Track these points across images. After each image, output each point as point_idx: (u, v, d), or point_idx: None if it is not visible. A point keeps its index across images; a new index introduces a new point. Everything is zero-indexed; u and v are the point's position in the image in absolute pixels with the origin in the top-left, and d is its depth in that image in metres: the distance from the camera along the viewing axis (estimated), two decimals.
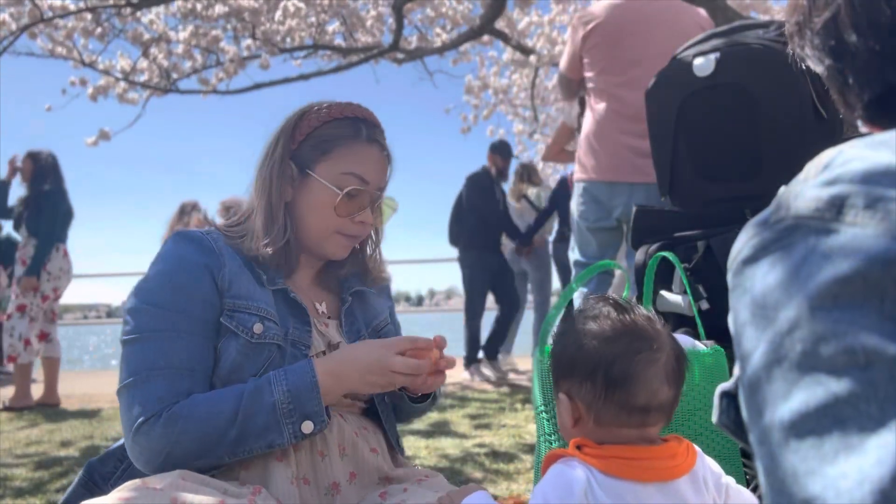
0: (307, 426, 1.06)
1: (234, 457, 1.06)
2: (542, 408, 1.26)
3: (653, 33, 2.81)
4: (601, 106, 2.93)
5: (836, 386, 0.42)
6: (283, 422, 1.05)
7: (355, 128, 1.23)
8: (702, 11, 2.99)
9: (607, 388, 0.88)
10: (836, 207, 0.45)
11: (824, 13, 0.61)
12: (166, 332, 1.09)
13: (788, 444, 0.43)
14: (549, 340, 1.35)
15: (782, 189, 0.51)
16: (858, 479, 0.38)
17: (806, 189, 0.48)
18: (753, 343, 0.48)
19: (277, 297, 1.20)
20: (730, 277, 0.52)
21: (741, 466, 1.25)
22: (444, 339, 1.15)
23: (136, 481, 0.95)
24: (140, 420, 1.05)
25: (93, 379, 6.93)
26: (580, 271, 2.96)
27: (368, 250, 1.37)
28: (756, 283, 0.48)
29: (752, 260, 0.50)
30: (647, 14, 2.84)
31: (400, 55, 6.58)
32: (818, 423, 0.42)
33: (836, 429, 0.41)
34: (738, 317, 0.50)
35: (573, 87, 3.07)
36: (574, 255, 3.16)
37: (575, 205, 3.08)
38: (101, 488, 1.16)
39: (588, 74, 2.97)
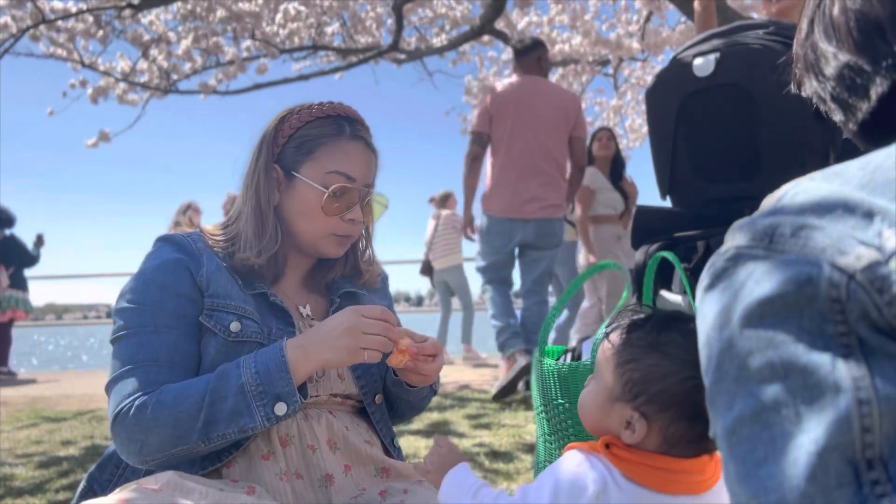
0: (280, 408, 1.04)
1: (209, 443, 1.04)
2: (542, 408, 1.26)
3: (537, 103, 3.93)
4: (499, 158, 4.01)
5: (763, 395, 0.47)
6: (253, 404, 1.03)
7: (338, 125, 1.22)
8: (574, 96, 4.11)
9: (702, 436, 0.84)
10: (768, 237, 0.50)
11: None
12: (147, 328, 1.11)
13: (731, 451, 0.48)
14: (550, 342, 1.35)
15: (735, 222, 0.56)
16: (780, 478, 0.44)
17: (752, 221, 0.53)
18: (707, 363, 0.53)
19: (258, 300, 1.20)
20: (696, 304, 0.58)
21: None
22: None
23: (133, 483, 0.96)
24: (115, 411, 1.06)
25: (93, 379, 6.93)
26: (486, 275, 4.17)
27: (360, 250, 1.36)
28: (710, 309, 0.54)
29: (708, 288, 0.55)
30: (534, 89, 4.00)
31: (400, 56, 6.59)
32: (751, 429, 0.47)
33: (764, 433, 0.46)
34: (700, 339, 0.55)
35: (485, 140, 4.08)
36: (478, 262, 4.22)
37: (482, 230, 4.17)
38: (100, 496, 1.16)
39: (493, 133, 4.04)
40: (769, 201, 0.55)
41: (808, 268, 0.46)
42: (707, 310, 0.54)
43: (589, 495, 0.81)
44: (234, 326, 1.13)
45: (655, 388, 0.85)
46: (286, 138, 1.22)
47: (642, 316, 0.91)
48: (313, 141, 1.21)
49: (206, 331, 1.14)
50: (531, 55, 4.15)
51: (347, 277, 1.34)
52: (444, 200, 7.26)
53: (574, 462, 0.85)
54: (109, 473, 1.19)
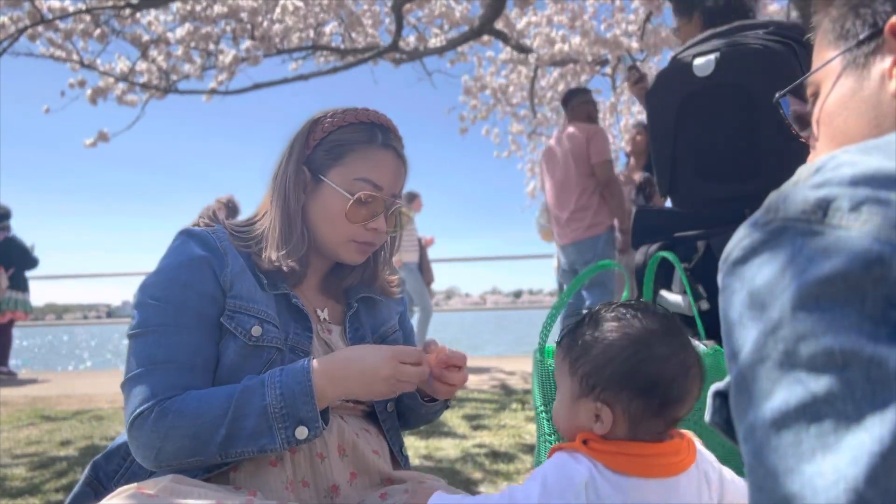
0: (301, 432, 1.03)
1: (227, 458, 1.04)
2: (542, 408, 1.26)
3: (559, 148, 4.71)
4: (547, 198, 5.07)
5: (814, 385, 0.42)
6: (275, 426, 1.02)
7: (370, 133, 1.20)
8: (587, 131, 4.58)
9: (661, 406, 0.89)
10: (822, 210, 0.46)
11: None
12: (169, 327, 1.09)
13: (769, 442, 0.44)
14: (550, 341, 1.34)
15: (773, 192, 0.52)
16: (834, 477, 0.39)
17: (796, 192, 0.49)
18: (740, 343, 0.49)
19: (280, 301, 1.18)
20: (720, 278, 0.53)
21: (741, 466, 1.25)
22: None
23: (131, 487, 0.96)
24: (134, 413, 1.04)
25: (92, 379, 6.93)
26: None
27: (382, 259, 1.34)
28: (745, 283, 0.49)
29: (741, 261, 0.50)
30: (557, 138, 4.81)
31: (399, 56, 6.58)
32: (797, 421, 0.43)
33: (814, 427, 0.42)
34: (728, 317, 0.51)
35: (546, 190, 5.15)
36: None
37: None
38: (106, 486, 1.15)
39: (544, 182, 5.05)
40: (806, 172, 0.51)
41: (878, 246, 0.42)
42: (739, 286, 0.50)
43: (576, 486, 0.85)
44: (256, 331, 1.12)
45: (607, 373, 0.90)
46: (318, 141, 1.21)
47: (580, 317, 0.98)
48: (344, 146, 1.19)
49: (226, 332, 1.12)
50: (571, 103, 4.95)
51: (366, 283, 1.32)
52: (409, 202, 7.00)
53: (559, 460, 0.89)
54: (116, 464, 1.18)
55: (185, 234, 1.18)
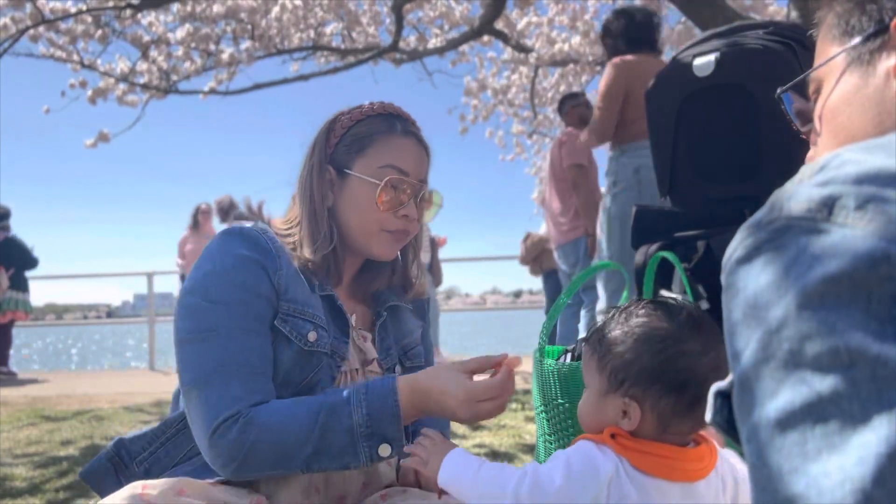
0: (384, 449, 1.02)
1: (309, 471, 1.03)
2: (542, 408, 1.26)
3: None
4: None
5: (820, 385, 0.42)
6: (359, 444, 1.02)
7: (389, 123, 1.21)
8: (562, 136, 4.61)
9: (691, 404, 0.87)
10: (827, 208, 0.45)
11: None
12: (232, 330, 1.05)
13: (774, 442, 0.43)
14: (549, 342, 1.34)
15: (776, 191, 0.51)
16: (840, 478, 0.39)
17: (800, 190, 0.48)
18: (744, 342, 0.48)
19: (325, 303, 1.17)
20: (724, 277, 0.53)
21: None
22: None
23: (136, 486, 0.96)
24: (218, 421, 1.01)
25: (93, 379, 6.93)
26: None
27: (409, 260, 1.32)
28: (749, 282, 0.49)
29: (745, 260, 0.50)
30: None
31: (399, 56, 6.59)
32: (802, 421, 0.42)
33: (819, 427, 0.41)
34: (731, 316, 0.50)
35: None
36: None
37: None
38: (127, 465, 1.15)
39: None
40: (809, 171, 0.50)
41: (884, 244, 0.42)
42: (742, 285, 0.49)
43: (601, 480, 0.84)
44: (312, 336, 1.10)
45: (635, 370, 0.89)
46: (338, 138, 1.20)
47: (610, 313, 0.97)
48: (365, 138, 1.19)
49: (280, 336, 1.10)
50: (563, 108, 4.91)
51: (393, 289, 1.31)
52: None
53: (586, 448, 0.88)
54: (140, 447, 1.16)
55: (234, 234, 1.14)
